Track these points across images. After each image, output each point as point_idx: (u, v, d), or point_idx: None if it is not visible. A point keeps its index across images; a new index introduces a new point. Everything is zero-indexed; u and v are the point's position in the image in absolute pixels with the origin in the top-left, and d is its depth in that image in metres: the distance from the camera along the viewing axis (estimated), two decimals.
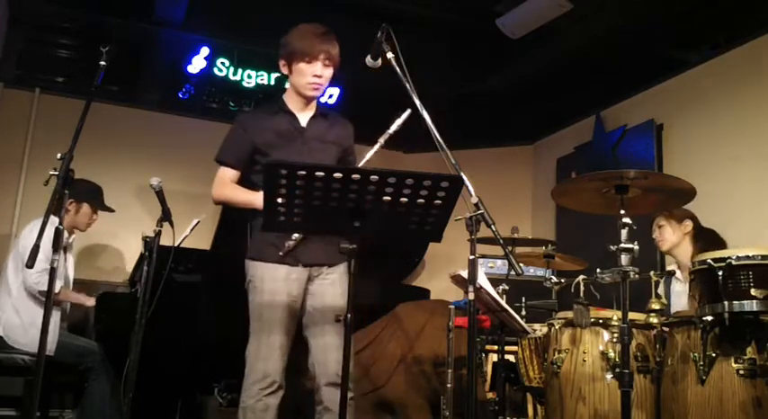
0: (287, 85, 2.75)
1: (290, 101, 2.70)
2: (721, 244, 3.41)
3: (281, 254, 2.52)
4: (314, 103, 2.72)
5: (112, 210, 4.09)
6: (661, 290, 3.53)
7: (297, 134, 2.65)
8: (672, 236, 3.53)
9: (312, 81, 2.62)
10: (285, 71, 2.68)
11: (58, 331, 3.56)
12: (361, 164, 2.61)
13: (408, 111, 2.49)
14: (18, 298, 3.58)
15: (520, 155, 6.61)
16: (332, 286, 2.58)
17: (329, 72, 2.65)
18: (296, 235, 2.51)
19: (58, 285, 3.69)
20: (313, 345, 2.56)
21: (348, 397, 2.44)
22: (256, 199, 2.50)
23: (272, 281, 2.52)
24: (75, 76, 5.55)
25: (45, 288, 3.56)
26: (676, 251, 3.55)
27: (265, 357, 2.46)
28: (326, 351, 2.50)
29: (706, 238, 3.44)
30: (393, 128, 2.59)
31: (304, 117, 2.69)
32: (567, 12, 4.67)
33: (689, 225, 3.51)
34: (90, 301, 3.84)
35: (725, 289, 2.36)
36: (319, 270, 2.60)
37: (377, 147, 2.60)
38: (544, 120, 6.25)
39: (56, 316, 3.56)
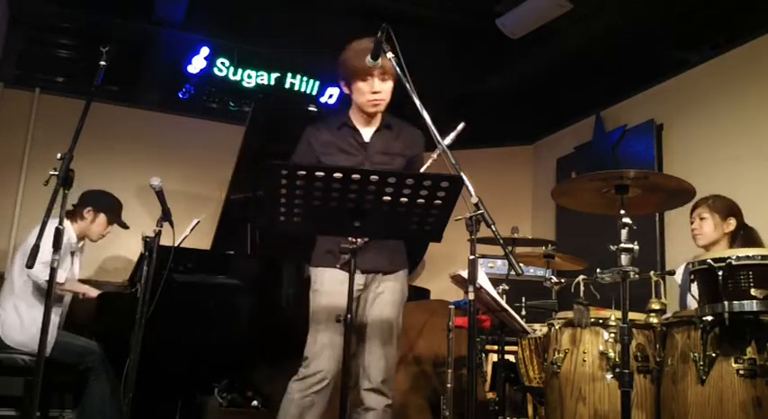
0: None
1: (355, 116, 2.74)
2: (758, 246, 3.22)
3: (338, 266, 2.56)
4: (379, 116, 2.75)
5: (127, 227, 4.09)
6: (678, 278, 3.46)
7: (360, 149, 2.69)
8: (713, 233, 3.30)
9: (371, 98, 2.63)
10: (346, 91, 2.72)
11: (55, 333, 3.56)
12: None
13: (462, 125, 2.44)
14: (20, 296, 3.58)
15: (520, 155, 6.61)
16: (383, 294, 2.65)
17: (388, 85, 2.64)
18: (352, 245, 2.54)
19: (62, 274, 3.67)
20: (359, 349, 2.63)
21: (386, 404, 2.58)
22: None
23: (331, 284, 2.59)
24: (75, 76, 5.55)
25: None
26: (712, 248, 3.32)
27: (320, 354, 2.53)
28: (372, 358, 2.58)
29: (743, 241, 3.24)
30: (447, 141, 2.45)
31: (368, 131, 2.72)
32: (567, 12, 4.67)
33: (732, 224, 3.29)
34: (94, 292, 3.86)
35: (725, 289, 2.35)
36: (374, 277, 2.66)
37: (429, 162, 2.58)
38: (544, 120, 6.25)
39: (54, 319, 3.56)
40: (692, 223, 3.42)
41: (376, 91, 2.62)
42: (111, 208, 3.95)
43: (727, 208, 3.34)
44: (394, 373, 2.67)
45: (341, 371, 2.38)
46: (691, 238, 3.43)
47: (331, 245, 2.60)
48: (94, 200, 3.86)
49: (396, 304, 2.67)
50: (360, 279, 2.61)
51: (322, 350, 2.54)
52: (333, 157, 2.66)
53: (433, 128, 2.32)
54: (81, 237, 3.89)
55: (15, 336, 3.52)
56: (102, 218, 3.90)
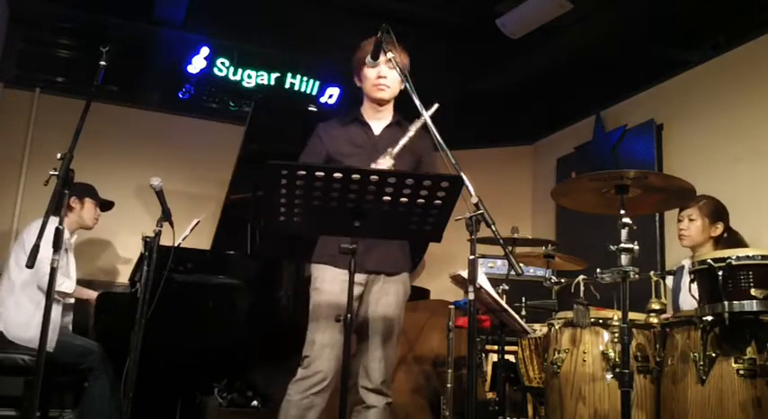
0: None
1: (366, 111, 2.78)
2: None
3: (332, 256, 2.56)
4: (389, 112, 2.78)
5: (112, 204, 4.10)
6: (669, 282, 3.47)
7: (369, 142, 2.71)
8: (699, 236, 3.33)
9: (376, 82, 2.68)
10: (359, 84, 2.77)
11: (58, 328, 3.55)
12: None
13: (437, 105, 2.45)
14: (21, 293, 3.58)
15: (520, 155, 6.60)
16: (388, 296, 2.66)
17: (393, 74, 2.66)
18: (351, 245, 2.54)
19: (71, 285, 3.74)
20: (359, 349, 2.64)
21: (387, 402, 2.60)
22: None
23: (332, 283, 2.60)
24: (75, 76, 5.55)
25: (61, 288, 3.60)
26: (697, 250, 3.35)
27: (320, 355, 2.54)
28: (373, 359, 2.60)
29: (727, 245, 3.23)
30: (428, 114, 2.42)
31: (378, 125, 2.76)
32: (567, 12, 4.67)
33: (719, 228, 3.30)
34: (94, 295, 3.87)
35: (725, 289, 2.36)
36: (377, 277, 2.66)
37: (409, 135, 2.46)
38: (544, 120, 6.25)
39: (56, 312, 3.54)
40: (679, 221, 3.42)
41: (381, 75, 2.67)
42: (88, 190, 3.94)
43: (716, 212, 3.34)
44: (392, 373, 2.69)
45: (340, 371, 2.38)
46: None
47: (334, 241, 2.59)
48: (72, 191, 3.81)
49: (399, 306, 2.69)
50: (361, 278, 2.60)
51: (322, 350, 2.54)
52: (341, 149, 2.69)
53: (432, 127, 2.33)
54: (74, 230, 3.89)
55: (19, 333, 3.51)
56: (88, 202, 3.91)
